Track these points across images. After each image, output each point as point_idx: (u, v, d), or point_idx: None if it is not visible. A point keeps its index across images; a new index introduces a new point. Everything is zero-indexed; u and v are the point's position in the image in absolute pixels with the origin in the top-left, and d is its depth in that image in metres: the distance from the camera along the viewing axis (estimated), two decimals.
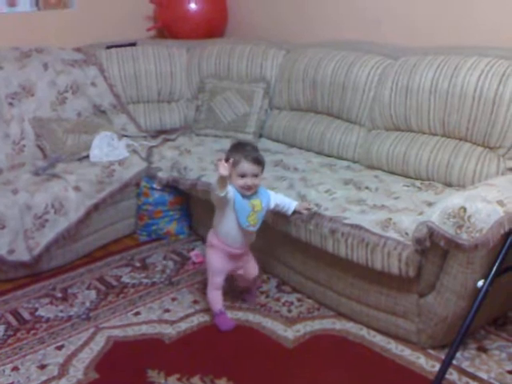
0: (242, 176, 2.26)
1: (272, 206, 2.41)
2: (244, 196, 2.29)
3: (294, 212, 2.43)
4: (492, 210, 1.84)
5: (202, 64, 3.67)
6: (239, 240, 2.37)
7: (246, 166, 2.25)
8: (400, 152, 2.70)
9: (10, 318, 2.57)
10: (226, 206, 2.29)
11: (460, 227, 1.87)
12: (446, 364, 1.87)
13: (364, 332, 2.35)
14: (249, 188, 2.27)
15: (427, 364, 2.15)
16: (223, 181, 2.16)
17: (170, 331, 2.43)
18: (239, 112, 3.41)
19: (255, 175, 2.28)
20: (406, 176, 2.68)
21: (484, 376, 2.09)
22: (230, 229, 2.33)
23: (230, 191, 2.24)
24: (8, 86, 3.27)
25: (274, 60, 3.45)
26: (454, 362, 2.08)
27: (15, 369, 2.24)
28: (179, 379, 2.14)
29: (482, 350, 2.22)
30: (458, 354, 2.15)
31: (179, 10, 3.89)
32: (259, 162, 2.29)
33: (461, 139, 2.55)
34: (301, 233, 2.41)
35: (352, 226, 2.23)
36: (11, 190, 2.83)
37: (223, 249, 2.38)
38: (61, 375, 2.19)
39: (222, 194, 2.19)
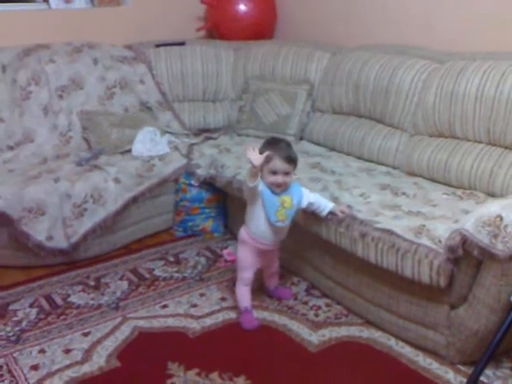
0: (274, 173, 2.23)
1: (304, 204, 2.36)
2: (274, 192, 2.26)
3: (329, 213, 2.37)
4: None
5: (247, 65, 3.67)
6: (269, 236, 2.35)
7: (278, 163, 2.22)
8: (442, 159, 2.61)
9: (43, 303, 2.63)
10: (255, 200, 2.28)
11: (495, 236, 1.78)
12: (473, 380, 1.77)
13: (392, 342, 2.27)
14: (278, 185, 2.25)
15: (455, 379, 2.05)
16: (255, 171, 2.14)
17: (194, 326, 2.42)
18: (281, 113, 3.39)
19: (286, 173, 2.25)
20: (448, 184, 2.59)
21: None
22: (259, 224, 2.32)
23: (259, 185, 2.22)
24: (58, 79, 3.38)
25: (318, 63, 3.41)
26: (485, 379, 1.99)
27: (42, 351, 2.29)
28: (198, 374, 2.13)
29: None
30: (490, 373, 2.05)
31: (229, 11, 3.92)
32: (292, 160, 2.25)
33: (506, 148, 2.44)
34: (331, 235, 2.36)
35: (383, 230, 2.16)
36: (53, 178, 2.91)
37: (253, 245, 2.37)
38: (84, 360, 2.23)
39: (252, 185, 2.18)
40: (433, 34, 3.06)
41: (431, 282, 2.01)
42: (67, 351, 2.28)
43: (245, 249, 2.40)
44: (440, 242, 2.01)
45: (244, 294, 2.41)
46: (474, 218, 1.86)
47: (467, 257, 1.91)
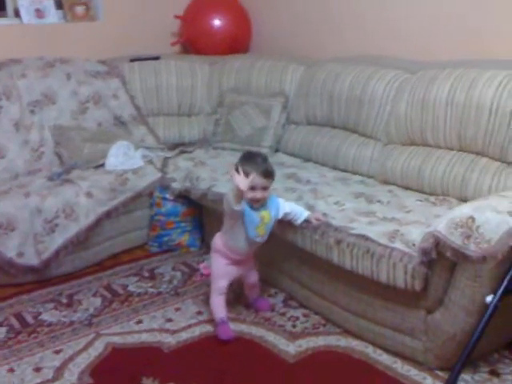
0: (252, 189, 2.22)
1: (281, 215, 2.36)
2: (253, 207, 2.26)
3: (304, 221, 2.36)
4: (502, 220, 1.75)
5: (222, 79, 3.67)
6: (245, 248, 2.36)
7: (257, 179, 2.21)
8: (415, 166, 2.62)
9: (13, 321, 2.55)
10: (237, 217, 2.26)
11: (468, 237, 1.78)
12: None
13: (369, 350, 2.24)
14: (257, 201, 2.25)
15: None
16: (241, 195, 2.14)
17: (169, 340, 2.37)
18: (256, 126, 3.38)
19: (265, 188, 2.25)
20: (421, 191, 2.59)
21: None
22: (238, 239, 2.32)
23: (242, 204, 2.21)
24: (31, 93, 3.32)
25: (293, 75, 3.42)
26: None
27: (11, 370, 2.21)
28: None
29: (494, 373, 2.08)
30: (469, 377, 2.04)
31: (203, 26, 3.93)
32: (269, 174, 2.26)
33: (477, 154, 2.46)
34: (306, 243, 2.34)
35: (358, 235, 2.15)
36: (23, 193, 2.84)
37: (227, 255, 2.36)
38: (55, 379, 2.16)
39: (239, 208, 2.18)
40: (406, 43, 3.09)
41: (406, 286, 2.00)
42: (37, 369, 2.21)
43: (219, 257, 2.39)
44: (414, 245, 2.00)
45: (219, 304, 2.38)
46: (447, 219, 1.86)
47: (441, 259, 1.91)
